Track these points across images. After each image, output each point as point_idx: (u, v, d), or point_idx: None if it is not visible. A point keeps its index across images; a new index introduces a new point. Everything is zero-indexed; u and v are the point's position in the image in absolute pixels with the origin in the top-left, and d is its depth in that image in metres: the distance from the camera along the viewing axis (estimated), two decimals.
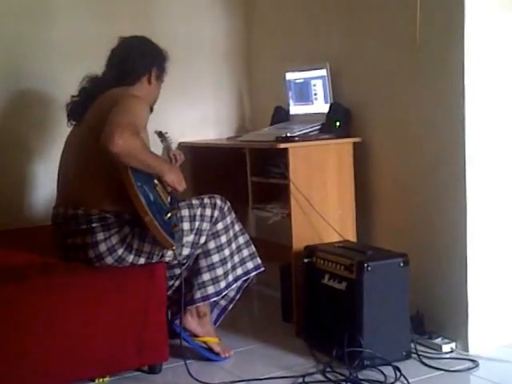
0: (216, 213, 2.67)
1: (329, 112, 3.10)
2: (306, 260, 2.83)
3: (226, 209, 2.71)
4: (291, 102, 3.38)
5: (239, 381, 2.52)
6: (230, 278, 2.70)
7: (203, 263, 2.67)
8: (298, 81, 3.31)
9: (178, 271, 2.67)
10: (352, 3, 3.11)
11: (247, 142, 3.21)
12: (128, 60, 2.68)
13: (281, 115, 3.42)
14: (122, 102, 2.43)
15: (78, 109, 2.64)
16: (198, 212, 2.63)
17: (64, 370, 2.40)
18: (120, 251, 2.45)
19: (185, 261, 2.65)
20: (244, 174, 3.16)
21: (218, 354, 2.73)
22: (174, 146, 3.31)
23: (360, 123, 3.11)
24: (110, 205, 2.45)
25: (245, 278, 2.76)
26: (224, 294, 2.70)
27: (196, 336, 2.73)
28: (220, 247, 2.68)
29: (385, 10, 2.93)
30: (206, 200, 2.68)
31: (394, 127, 2.96)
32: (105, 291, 2.47)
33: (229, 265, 2.70)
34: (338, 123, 3.05)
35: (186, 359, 2.51)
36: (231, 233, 2.72)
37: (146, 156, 2.37)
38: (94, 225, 2.43)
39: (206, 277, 2.66)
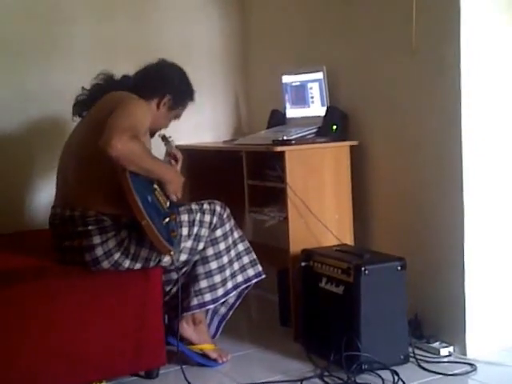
0: (215, 219, 2.66)
1: (325, 115, 3.10)
2: (303, 264, 2.83)
3: (225, 215, 2.70)
4: (288, 105, 3.38)
5: None
6: (229, 285, 2.69)
7: (201, 270, 2.65)
8: (294, 84, 3.31)
9: (175, 276, 2.65)
10: (348, 6, 3.11)
11: (244, 145, 3.20)
12: (149, 76, 2.69)
13: (277, 118, 3.41)
14: (123, 105, 2.43)
15: (85, 102, 2.65)
16: (197, 217, 2.62)
17: (60, 374, 2.39)
18: (116, 256, 2.43)
19: (182, 266, 2.64)
20: (241, 177, 3.15)
21: (214, 361, 2.72)
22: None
23: (357, 126, 3.11)
24: (107, 207, 2.43)
25: (245, 286, 2.75)
26: (221, 301, 2.69)
27: (192, 343, 2.71)
28: (218, 254, 2.66)
29: (381, 14, 2.93)
30: (206, 206, 2.67)
31: (390, 130, 2.96)
32: (101, 295, 2.46)
33: (227, 272, 2.68)
34: (334, 126, 3.05)
35: (182, 364, 2.50)
36: (230, 240, 2.71)
37: (146, 160, 2.36)
38: (90, 227, 2.41)
39: (203, 284, 2.64)
